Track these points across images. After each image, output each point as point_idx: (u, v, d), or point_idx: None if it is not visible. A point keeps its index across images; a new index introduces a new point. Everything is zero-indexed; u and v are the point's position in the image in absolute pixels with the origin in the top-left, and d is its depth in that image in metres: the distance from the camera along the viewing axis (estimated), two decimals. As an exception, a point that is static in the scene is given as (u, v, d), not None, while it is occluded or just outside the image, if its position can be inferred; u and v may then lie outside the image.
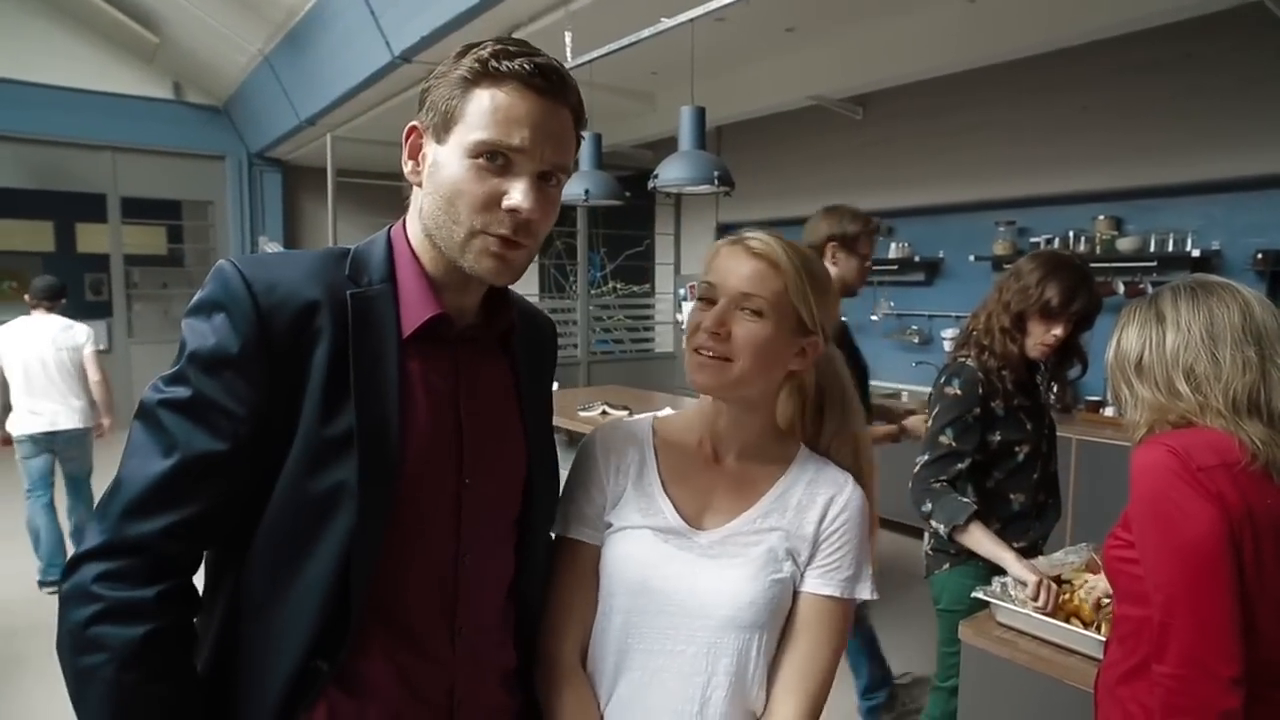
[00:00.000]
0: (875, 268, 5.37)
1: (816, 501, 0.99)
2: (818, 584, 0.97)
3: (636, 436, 1.05)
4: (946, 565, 1.95)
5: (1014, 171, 4.53)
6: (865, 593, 1.00)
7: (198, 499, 0.77)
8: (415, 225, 0.88)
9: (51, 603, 0.97)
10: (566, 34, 4.02)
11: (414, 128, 0.86)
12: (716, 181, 3.19)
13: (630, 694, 0.96)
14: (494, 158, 0.80)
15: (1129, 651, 1.18)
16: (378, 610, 0.83)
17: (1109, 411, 4.05)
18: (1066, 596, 1.68)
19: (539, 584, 1.00)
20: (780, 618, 0.97)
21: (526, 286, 8.41)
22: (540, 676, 0.98)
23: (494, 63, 0.79)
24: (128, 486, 0.76)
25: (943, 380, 1.94)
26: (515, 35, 4.49)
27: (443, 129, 0.82)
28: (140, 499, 0.75)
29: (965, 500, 1.85)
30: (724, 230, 6.46)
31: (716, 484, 1.02)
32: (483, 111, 0.79)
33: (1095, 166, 4.20)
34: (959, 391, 1.88)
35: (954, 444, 1.87)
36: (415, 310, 0.86)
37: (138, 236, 7.96)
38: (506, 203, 0.80)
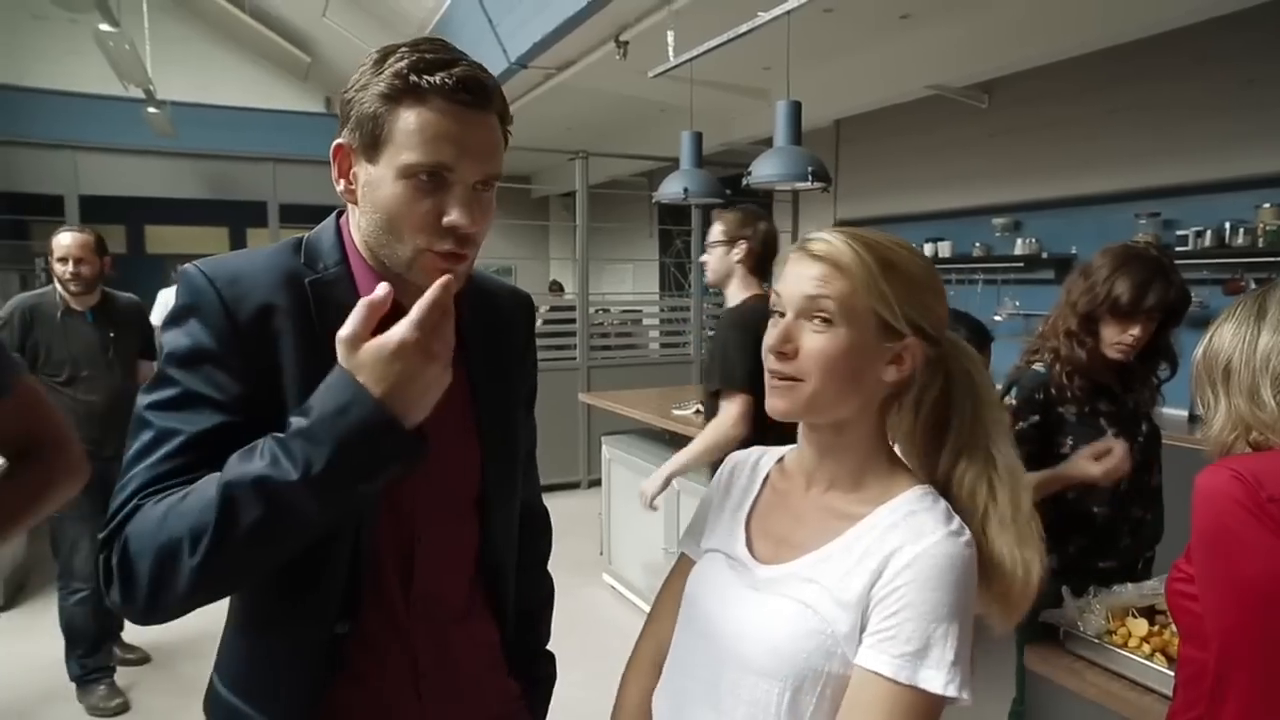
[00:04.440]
0: (998, 264, 5.07)
1: (880, 552, 0.81)
2: (867, 655, 0.79)
3: (758, 463, 1.02)
4: None
5: (1160, 158, 4.10)
6: (934, 682, 0.75)
7: (193, 455, 0.78)
8: (357, 230, 0.88)
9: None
10: (669, 33, 4.03)
11: (340, 147, 0.84)
12: (811, 178, 3.10)
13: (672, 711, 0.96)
14: (430, 176, 0.80)
15: (1191, 699, 1.05)
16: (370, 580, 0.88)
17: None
18: (1155, 629, 1.52)
19: (505, 558, 1.02)
20: (816, 683, 0.81)
21: (648, 284, 8.53)
22: None
23: (414, 78, 0.78)
24: (125, 470, 0.79)
25: (1002, 392, 1.84)
26: (622, 38, 4.57)
27: (371, 149, 0.81)
28: (147, 467, 0.78)
29: None
30: (842, 226, 6.24)
31: (802, 518, 0.92)
32: (410, 132, 0.78)
33: (1262, 147, 3.71)
34: (1013, 402, 1.79)
35: None
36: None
37: (295, 240, 8.73)
38: (446, 221, 0.80)
